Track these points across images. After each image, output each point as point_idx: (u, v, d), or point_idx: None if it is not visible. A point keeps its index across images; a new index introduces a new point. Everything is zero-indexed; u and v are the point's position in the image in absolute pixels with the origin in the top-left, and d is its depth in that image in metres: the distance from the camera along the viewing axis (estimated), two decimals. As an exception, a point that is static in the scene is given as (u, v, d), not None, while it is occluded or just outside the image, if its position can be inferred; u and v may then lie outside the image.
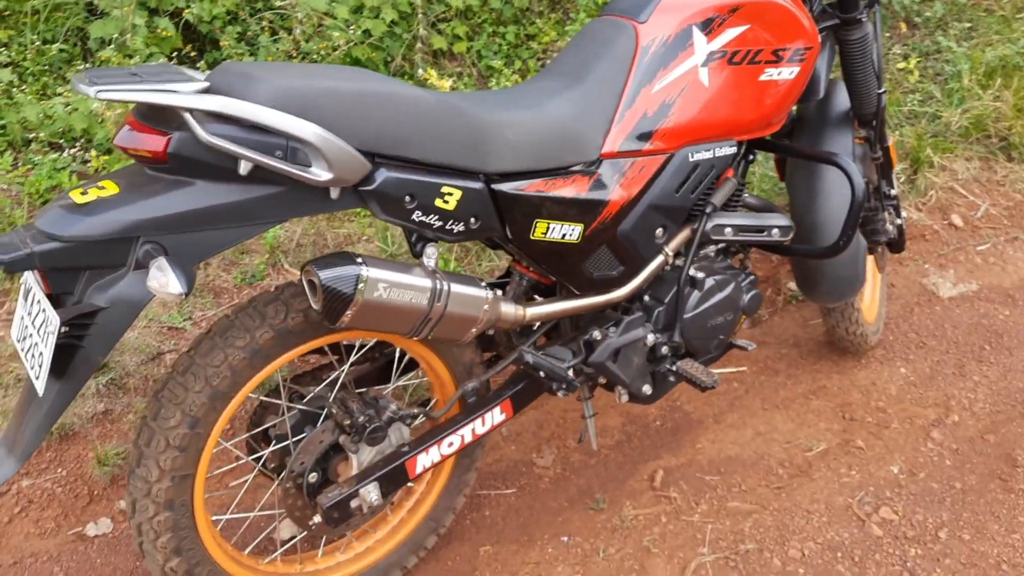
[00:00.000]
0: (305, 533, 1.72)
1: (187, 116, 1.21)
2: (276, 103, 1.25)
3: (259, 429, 1.69)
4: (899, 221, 2.43)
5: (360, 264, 1.38)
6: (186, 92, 1.21)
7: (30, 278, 1.36)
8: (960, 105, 3.69)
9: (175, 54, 3.43)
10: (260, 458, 1.73)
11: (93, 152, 2.99)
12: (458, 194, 1.46)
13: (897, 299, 2.96)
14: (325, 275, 1.35)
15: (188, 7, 3.32)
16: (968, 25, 4.14)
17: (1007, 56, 3.79)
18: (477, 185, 1.48)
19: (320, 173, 1.29)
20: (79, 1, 3.45)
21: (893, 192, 2.40)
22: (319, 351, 1.65)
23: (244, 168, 1.26)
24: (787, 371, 2.63)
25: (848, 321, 2.47)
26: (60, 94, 3.23)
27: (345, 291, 1.36)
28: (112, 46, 3.18)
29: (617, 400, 1.93)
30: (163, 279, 1.19)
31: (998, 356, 2.69)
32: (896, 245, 2.47)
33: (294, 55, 3.48)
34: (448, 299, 1.49)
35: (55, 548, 2.00)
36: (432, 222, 1.46)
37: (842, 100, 2.20)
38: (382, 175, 1.37)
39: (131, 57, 3.35)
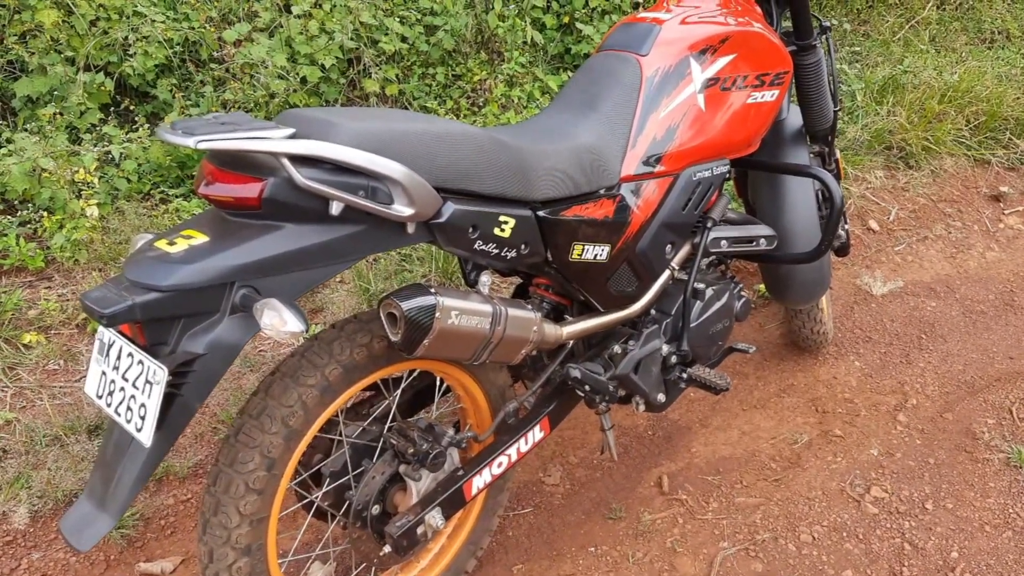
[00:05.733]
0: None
1: (284, 161, 1.25)
2: (359, 145, 1.31)
3: (315, 468, 1.70)
4: (847, 226, 2.66)
5: (434, 294, 1.45)
6: (278, 138, 1.25)
7: (106, 333, 1.36)
8: (860, 121, 4.04)
9: (112, 108, 3.36)
10: (310, 499, 1.74)
11: (44, 214, 2.89)
12: (513, 222, 1.54)
13: (837, 300, 3.21)
14: (407, 306, 1.41)
15: (125, 61, 3.27)
16: (856, 50, 4.54)
17: (895, 76, 4.18)
18: (527, 213, 1.57)
19: (402, 209, 1.36)
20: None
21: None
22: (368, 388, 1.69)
23: (336, 208, 1.31)
24: (755, 373, 2.81)
25: (813, 321, 2.68)
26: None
27: (424, 320, 1.42)
28: (52, 103, 3.10)
29: (634, 410, 2.04)
30: (279, 319, 1.22)
31: (935, 343, 2.96)
32: (843, 249, 2.70)
33: (234, 105, 3.48)
34: (506, 322, 1.57)
35: (78, 619, 1.93)
36: (490, 250, 1.53)
37: (795, 119, 2.41)
38: (450, 208, 1.44)
39: (61, 115, 3.28)
